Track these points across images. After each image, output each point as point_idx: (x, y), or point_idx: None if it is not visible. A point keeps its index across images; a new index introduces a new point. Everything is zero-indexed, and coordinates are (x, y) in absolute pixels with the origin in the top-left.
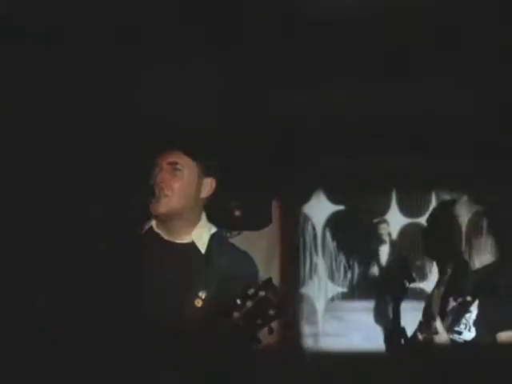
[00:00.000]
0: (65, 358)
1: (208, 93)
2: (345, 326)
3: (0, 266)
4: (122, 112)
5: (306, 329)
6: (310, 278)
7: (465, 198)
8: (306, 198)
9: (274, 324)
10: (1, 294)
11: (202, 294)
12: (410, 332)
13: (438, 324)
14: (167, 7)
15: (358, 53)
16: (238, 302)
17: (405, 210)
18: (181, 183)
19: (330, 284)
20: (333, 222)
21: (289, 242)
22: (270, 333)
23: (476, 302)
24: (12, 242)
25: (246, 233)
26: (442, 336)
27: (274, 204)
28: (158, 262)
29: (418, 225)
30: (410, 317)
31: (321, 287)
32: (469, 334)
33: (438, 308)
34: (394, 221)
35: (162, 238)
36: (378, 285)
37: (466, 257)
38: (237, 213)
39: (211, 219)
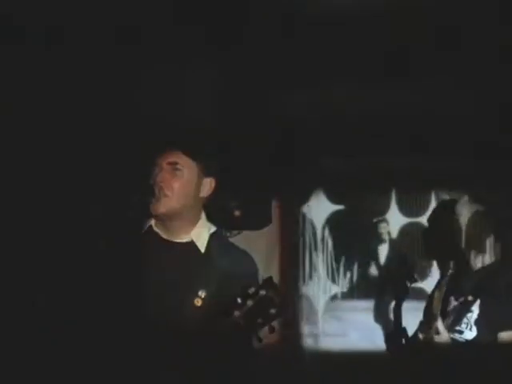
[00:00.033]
0: (65, 358)
1: (208, 93)
2: (345, 326)
3: (0, 266)
4: (122, 112)
5: (306, 328)
6: (310, 277)
7: (465, 197)
8: (305, 198)
9: (274, 323)
10: (1, 294)
11: (202, 294)
12: (410, 332)
13: (439, 324)
14: (167, 7)
15: (358, 53)
16: (239, 301)
17: (404, 209)
18: (180, 183)
19: (329, 284)
20: (333, 221)
21: (288, 241)
22: (271, 332)
23: (477, 302)
24: (12, 242)
25: (245, 232)
26: (443, 336)
27: (274, 204)
28: (157, 262)
29: (417, 224)
30: (411, 317)
31: (320, 287)
32: (470, 334)
33: (439, 308)
34: (394, 220)
35: (162, 238)
36: (378, 284)
37: (467, 256)
38: (237, 212)
39: (211, 219)
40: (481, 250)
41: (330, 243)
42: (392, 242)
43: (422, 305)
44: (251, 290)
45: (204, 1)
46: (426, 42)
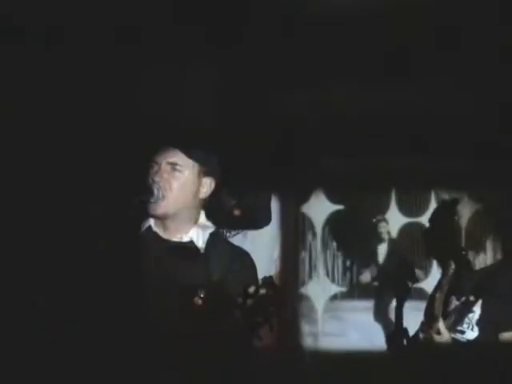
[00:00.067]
0: (65, 358)
1: (208, 93)
2: (344, 326)
3: (0, 266)
4: (122, 112)
5: (306, 328)
6: (310, 277)
7: (467, 197)
8: (305, 198)
9: (274, 322)
10: (1, 294)
11: (202, 293)
12: (411, 332)
13: (441, 325)
14: (167, 7)
15: (358, 53)
16: (239, 300)
17: (404, 209)
18: (180, 184)
19: (329, 283)
20: (332, 221)
21: (288, 241)
22: (271, 330)
23: (479, 302)
24: (12, 242)
25: (245, 232)
26: (445, 336)
27: (274, 203)
28: (157, 261)
29: (417, 224)
30: (410, 316)
31: (320, 287)
32: (472, 334)
33: (441, 309)
34: (394, 220)
35: (161, 237)
36: (377, 284)
37: (469, 256)
38: (236, 212)
39: (211, 218)
40: (482, 250)
41: (330, 243)
42: (392, 242)
43: (421, 304)
44: (251, 289)
45: (204, 1)
46: (426, 42)
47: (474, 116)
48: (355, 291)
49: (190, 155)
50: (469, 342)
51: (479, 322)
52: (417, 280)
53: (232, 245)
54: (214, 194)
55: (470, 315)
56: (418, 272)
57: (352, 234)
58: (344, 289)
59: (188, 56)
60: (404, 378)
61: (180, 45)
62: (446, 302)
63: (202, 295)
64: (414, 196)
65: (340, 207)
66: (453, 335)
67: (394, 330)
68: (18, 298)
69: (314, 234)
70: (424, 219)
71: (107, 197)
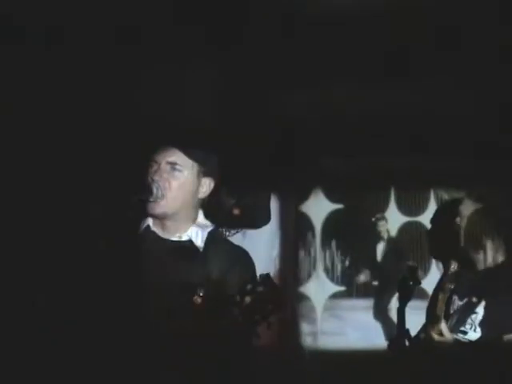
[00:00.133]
0: (65, 358)
1: (208, 93)
2: (343, 325)
3: (0, 266)
4: (122, 112)
5: (305, 327)
6: (309, 276)
7: (469, 197)
8: (304, 197)
9: (272, 319)
10: (1, 294)
11: (201, 291)
12: (412, 331)
13: (443, 326)
14: (167, 7)
15: (358, 53)
16: (237, 297)
17: (403, 208)
18: (179, 183)
19: (328, 282)
20: (332, 220)
21: (288, 240)
22: (269, 328)
23: (482, 303)
24: (12, 242)
25: (244, 231)
26: (447, 337)
27: (273, 202)
28: (156, 261)
29: (416, 223)
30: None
31: (319, 286)
32: (474, 335)
33: (443, 310)
34: (393, 219)
35: (160, 237)
36: (377, 283)
37: (471, 257)
38: (236, 211)
39: (210, 217)
40: (484, 250)
41: (329, 242)
42: (391, 241)
43: (421, 304)
44: (249, 287)
45: (204, 1)
46: (426, 42)
47: (473, 116)
48: (354, 290)
49: (189, 155)
50: (471, 342)
51: (482, 323)
52: (419, 281)
53: (231, 243)
54: (213, 194)
55: (473, 316)
56: (419, 272)
57: (351, 233)
58: (343, 288)
59: (188, 56)
60: (403, 376)
61: (180, 45)
62: (448, 302)
63: (201, 294)
64: (413, 195)
65: (339, 206)
66: (455, 336)
67: (396, 332)
68: (18, 297)
69: (314, 233)
70: (423, 218)
71: (106, 196)
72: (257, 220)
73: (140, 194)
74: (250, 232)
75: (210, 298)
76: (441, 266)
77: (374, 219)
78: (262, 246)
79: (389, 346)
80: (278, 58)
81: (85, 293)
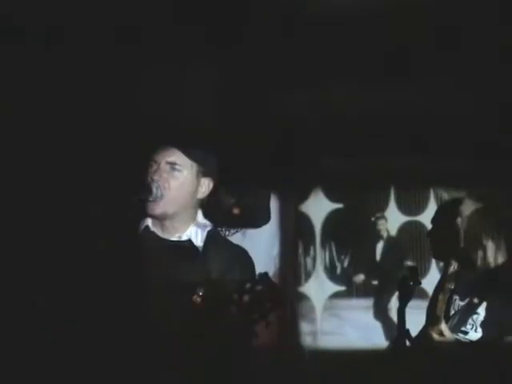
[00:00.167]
0: (65, 358)
1: (208, 93)
2: (343, 324)
3: (0, 266)
4: (122, 112)
5: (305, 327)
6: (309, 276)
7: (469, 197)
8: (304, 196)
9: (271, 318)
10: (1, 294)
11: (200, 291)
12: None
13: (443, 326)
14: (167, 7)
15: (358, 53)
16: (235, 296)
17: (403, 208)
18: (179, 184)
19: (328, 282)
20: (331, 220)
21: (287, 239)
22: (267, 327)
23: (484, 304)
24: (12, 242)
25: (244, 230)
26: (447, 337)
27: (273, 202)
28: (155, 261)
29: (416, 223)
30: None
31: (319, 285)
32: (475, 335)
33: (443, 310)
34: (393, 219)
35: (159, 237)
36: (377, 283)
37: (472, 257)
38: (235, 211)
39: (209, 217)
40: (485, 251)
41: (329, 241)
42: (391, 240)
43: (420, 303)
44: (247, 286)
45: (204, 1)
46: (426, 41)
47: (473, 116)
48: (354, 290)
49: (189, 155)
50: (471, 342)
51: (483, 324)
52: (419, 281)
53: (230, 243)
54: (212, 194)
55: (475, 317)
56: (419, 272)
57: (351, 233)
58: (343, 287)
59: (188, 56)
60: (404, 376)
61: (180, 45)
62: (449, 303)
63: (200, 293)
64: (413, 195)
65: (339, 206)
66: (455, 336)
67: (397, 334)
68: (18, 297)
69: (313, 233)
70: (423, 218)
71: (106, 196)
72: (257, 219)
73: (140, 193)
74: (250, 231)
75: (209, 298)
76: (441, 265)
77: (373, 219)
78: (261, 246)
79: (389, 346)
80: (278, 57)
81: (85, 293)
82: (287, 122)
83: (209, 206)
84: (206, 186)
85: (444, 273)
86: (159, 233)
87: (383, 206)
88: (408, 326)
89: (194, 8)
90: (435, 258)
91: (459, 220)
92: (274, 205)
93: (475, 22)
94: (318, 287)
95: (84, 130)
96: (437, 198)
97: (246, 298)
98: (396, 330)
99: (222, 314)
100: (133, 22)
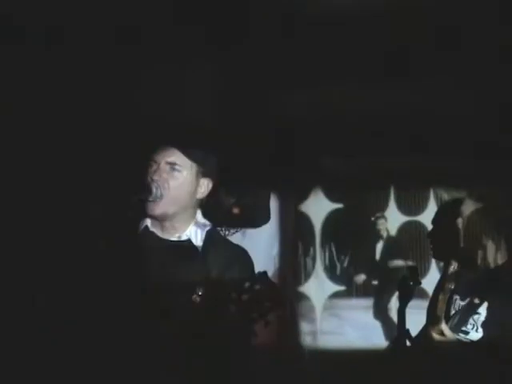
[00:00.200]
0: (65, 358)
1: (208, 93)
2: (343, 324)
3: (0, 266)
4: (122, 112)
5: (305, 327)
6: (309, 276)
7: (470, 197)
8: (304, 196)
9: (270, 317)
10: (1, 294)
11: (200, 291)
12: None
13: (444, 326)
14: (167, 7)
15: (357, 53)
16: (234, 295)
17: (403, 208)
18: (178, 184)
19: (328, 282)
20: (331, 220)
21: (287, 239)
22: (266, 326)
23: (485, 304)
24: (12, 242)
25: (244, 230)
26: (448, 337)
27: (273, 202)
28: (155, 261)
29: (416, 223)
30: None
31: (319, 285)
32: (476, 335)
33: (444, 310)
34: (393, 219)
35: (158, 237)
36: (377, 283)
37: (473, 257)
38: (235, 210)
39: (209, 217)
40: (486, 251)
41: (329, 241)
42: (391, 240)
43: (420, 303)
44: (246, 285)
45: (204, 1)
46: (426, 42)
47: (473, 116)
48: (354, 290)
49: (189, 155)
50: (472, 342)
51: (484, 324)
52: (419, 281)
53: (229, 242)
54: (211, 195)
55: (476, 317)
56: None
57: (351, 233)
58: (343, 287)
59: (188, 56)
60: (403, 376)
61: (180, 45)
62: (449, 303)
63: (200, 293)
64: (412, 195)
65: (339, 206)
66: (456, 335)
67: (398, 334)
68: (18, 297)
69: (313, 233)
70: (423, 218)
71: (106, 196)
72: (256, 219)
73: (139, 193)
74: (250, 231)
75: (208, 297)
76: (441, 266)
77: (373, 218)
78: (261, 246)
79: (389, 345)
80: (278, 57)
81: (84, 293)
82: (287, 122)
83: (209, 206)
84: (205, 186)
85: (444, 273)
86: (159, 233)
87: (383, 206)
88: (408, 325)
89: (193, 8)
90: (436, 258)
91: (460, 220)
92: (273, 205)
93: (475, 21)
94: (317, 287)
95: (84, 130)
96: (437, 198)
97: (245, 297)
98: (396, 330)
99: (222, 314)
100: (133, 22)
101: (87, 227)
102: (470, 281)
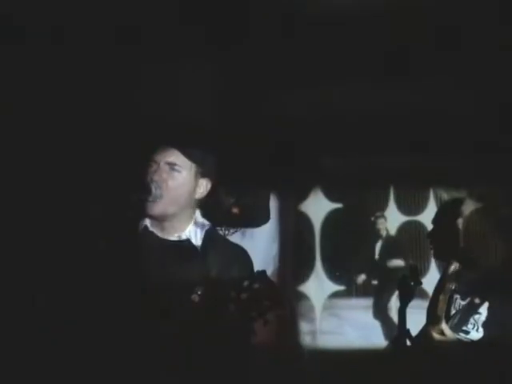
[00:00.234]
0: (65, 358)
1: (208, 93)
2: (343, 324)
3: (0, 266)
4: (122, 112)
5: (304, 326)
6: (308, 275)
7: (470, 197)
8: (304, 196)
9: (269, 316)
10: (1, 294)
11: (199, 290)
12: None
13: (444, 326)
14: (167, 7)
15: (358, 53)
16: (233, 294)
17: (403, 207)
18: (177, 184)
19: (327, 282)
20: (331, 219)
21: (287, 239)
22: (265, 325)
23: (486, 304)
24: (12, 242)
25: (244, 230)
26: (448, 337)
27: (272, 201)
28: (155, 261)
29: (415, 222)
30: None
31: (319, 285)
32: (476, 334)
33: (444, 310)
34: (392, 218)
35: (158, 237)
36: (376, 282)
37: (474, 257)
38: (235, 210)
39: (209, 217)
40: (487, 251)
41: (329, 241)
42: (390, 240)
43: (420, 303)
44: (245, 283)
45: (204, 1)
46: (426, 41)
47: (473, 116)
48: (353, 289)
49: (188, 156)
50: (472, 342)
51: (485, 324)
52: (420, 281)
53: (229, 242)
54: (210, 195)
55: (476, 316)
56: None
57: (350, 233)
58: (342, 287)
59: (188, 56)
60: (403, 376)
61: (180, 45)
62: (450, 302)
63: (199, 293)
64: (412, 194)
65: (339, 206)
66: (456, 335)
67: (398, 334)
68: (18, 297)
69: (313, 232)
70: (422, 217)
71: (106, 195)
72: (256, 219)
73: (139, 193)
74: (250, 231)
75: (208, 297)
76: (441, 265)
77: (373, 218)
78: (261, 245)
79: (389, 345)
80: (278, 57)
81: (84, 293)
82: (287, 122)
83: (208, 206)
84: (203, 186)
85: (445, 273)
86: (158, 233)
87: (383, 206)
88: (408, 325)
89: (193, 8)
90: (436, 258)
91: (460, 220)
92: (273, 204)
93: (475, 21)
94: (317, 287)
95: (84, 130)
96: (436, 197)
97: (244, 296)
98: (396, 330)
99: (221, 313)
100: (133, 22)
101: (87, 227)
102: (471, 280)
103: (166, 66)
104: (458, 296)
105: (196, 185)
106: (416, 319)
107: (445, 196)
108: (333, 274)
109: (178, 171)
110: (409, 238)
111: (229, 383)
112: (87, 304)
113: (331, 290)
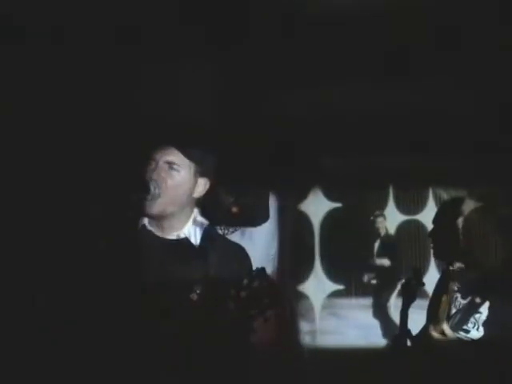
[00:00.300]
0: (65, 358)
1: (208, 93)
2: (342, 323)
3: (0, 266)
4: (122, 111)
5: (304, 326)
6: (308, 275)
7: (470, 196)
8: (303, 195)
9: (268, 314)
10: (1, 294)
11: (198, 288)
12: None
13: (445, 326)
14: (167, 7)
15: (357, 53)
16: (233, 292)
17: (402, 207)
18: (176, 183)
19: (327, 281)
20: (330, 219)
21: (286, 238)
22: (265, 322)
23: (486, 304)
24: (12, 242)
25: (243, 229)
26: (449, 336)
27: (272, 201)
28: (154, 260)
29: (415, 222)
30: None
31: (318, 284)
32: (476, 334)
33: (446, 311)
34: (392, 218)
35: (156, 236)
36: (376, 282)
37: (474, 257)
38: (234, 209)
39: (208, 216)
40: (487, 250)
41: (328, 240)
42: (390, 239)
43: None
44: (244, 282)
45: (204, 1)
46: (426, 42)
47: (473, 116)
48: (353, 289)
49: (187, 155)
50: (473, 341)
51: (486, 323)
52: (422, 283)
53: (227, 240)
54: (209, 194)
55: (477, 316)
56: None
57: (350, 232)
58: (342, 286)
59: (188, 56)
60: (403, 375)
61: (180, 45)
62: (450, 301)
63: (197, 291)
64: (411, 194)
65: (338, 205)
66: (456, 334)
67: (399, 334)
68: (18, 297)
69: (312, 232)
70: (421, 217)
71: (105, 195)
72: (255, 218)
73: (138, 191)
74: (249, 230)
75: (207, 295)
76: (441, 265)
77: (372, 217)
78: (260, 245)
79: (388, 344)
80: (278, 57)
81: (84, 292)
82: (287, 122)
83: (208, 205)
84: (202, 185)
85: (446, 273)
86: (156, 232)
87: (382, 205)
88: (408, 325)
89: (193, 8)
90: (437, 257)
91: (461, 220)
92: (272, 204)
93: (475, 21)
94: (316, 286)
95: (84, 130)
96: (436, 197)
97: (244, 294)
98: (395, 329)
99: (220, 312)
100: (133, 22)
101: (86, 227)
102: (472, 280)
103: (166, 66)
104: (458, 295)
105: (195, 184)
106: (416, 319)
107: (444, 195)
108: (332, 273)
109: (177, 170)
110: (408, 237)
111: (229, 383)
112: (87, 304)
113: (330, 289)
